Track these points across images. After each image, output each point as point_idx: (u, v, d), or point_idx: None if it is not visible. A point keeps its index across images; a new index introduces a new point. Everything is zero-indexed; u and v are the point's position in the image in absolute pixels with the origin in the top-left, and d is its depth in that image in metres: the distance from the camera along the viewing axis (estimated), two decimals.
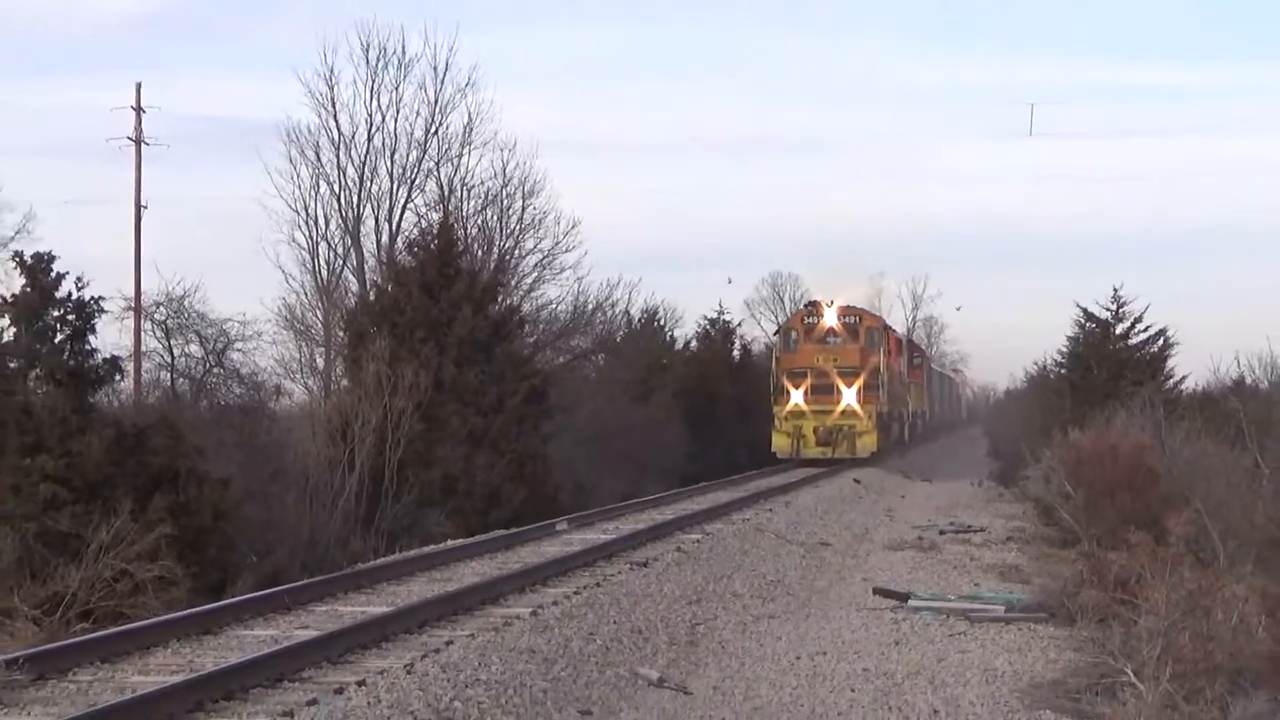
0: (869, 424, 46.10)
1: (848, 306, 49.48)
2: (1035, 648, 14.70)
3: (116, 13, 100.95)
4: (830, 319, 48.45)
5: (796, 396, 46.10)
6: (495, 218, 48.96)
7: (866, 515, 29.60)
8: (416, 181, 49.61)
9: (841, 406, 46.12)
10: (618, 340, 52.81)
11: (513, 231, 49.31)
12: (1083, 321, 39.87)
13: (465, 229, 43.82)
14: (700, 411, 49.10)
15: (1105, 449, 21.63)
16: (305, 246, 49.91)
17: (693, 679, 13.12)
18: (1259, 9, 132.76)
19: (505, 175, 48.81)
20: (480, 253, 42.90)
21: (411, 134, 49.64)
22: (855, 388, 46.27)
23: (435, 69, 49.86)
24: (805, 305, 52.82)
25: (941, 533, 26.13)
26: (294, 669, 11.61)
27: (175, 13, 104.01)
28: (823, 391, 46.27)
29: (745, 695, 12.41)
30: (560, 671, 12.47)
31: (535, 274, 48.14)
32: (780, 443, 46.32)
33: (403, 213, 49.56)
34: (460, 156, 49.45)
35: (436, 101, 49.74)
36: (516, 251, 48.32)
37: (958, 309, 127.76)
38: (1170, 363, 38.36)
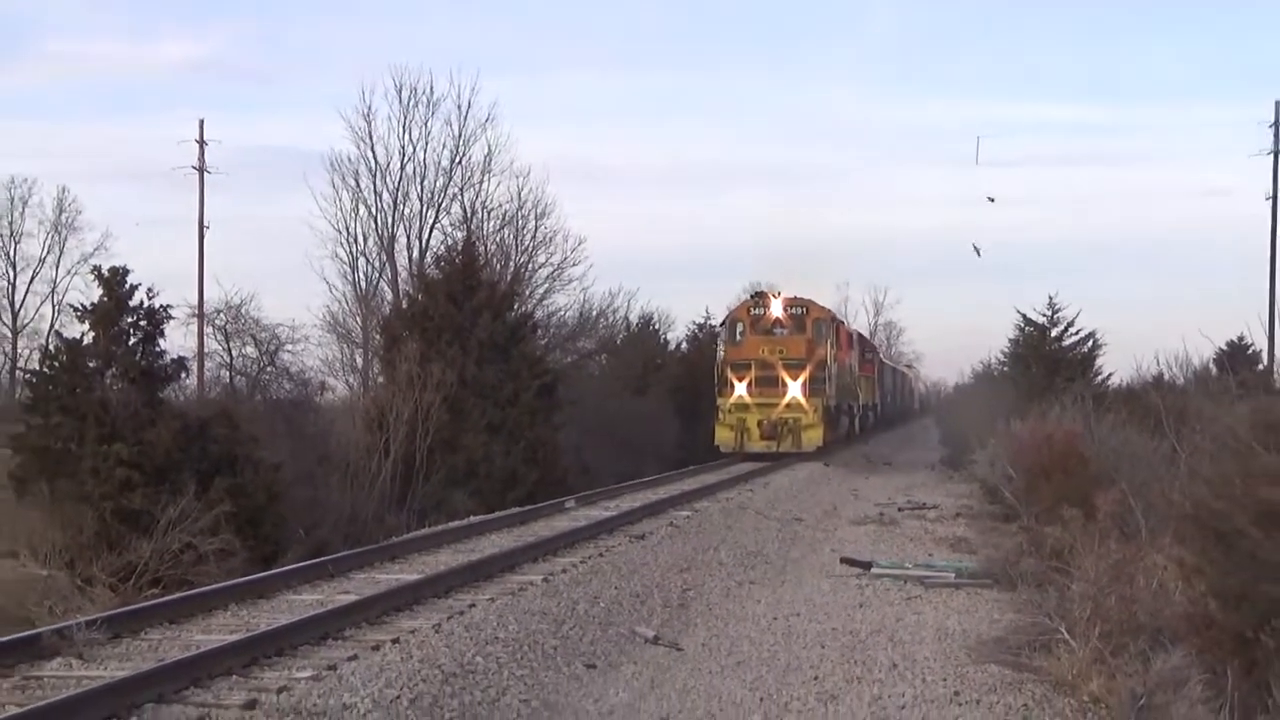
0: (815, 417, 39.27)
1: (794, 298, 42.12)
2: (981, 609, 14.61)
3: (183, 57, 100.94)
4: (776, 310, 41.23)
5: (740, 389, 39.26)
6: (511, 236, 49.16)
7: (834, 495, 29.41)
8: (443, 205, 49.93)
9: (786, 399, 39.19)
10: (618, 342, 52.63)
11: (527, 248, 49.37)
12: (1022, 325, 39.97)
13: (485, 246, 43.92)
14: (690, 405, 46.88)
15: (1042, 437, 21.60)
16: (346, 261, 50.34)
17: (684, 637, 13.11)
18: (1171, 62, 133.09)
19: (520, 199, 49.01)
20: (498, 266, 42.86)
21: (439, 163, 49.93)
22: (801, 380, 39.24)
23: (459, 107, 50.04)
24: (751, 295, 45.13)
25: (900, 510, 26.02)
26: (337, 628, 11.62)
27: (234, 57, 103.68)
28: (767, 384, 39.32)
29: (729, 651, 12.40)
30: (568, 630, 12.47)
31: (546, 285, 48.27)
32: (723, 436, 39.62)
33: (431, 231, 49.90)
34: (481, 183, 49.71)
35: (460, 135, 49.96)
36: (530, 265, 48.46)
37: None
38: (1099, 361, 38.38)
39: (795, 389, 39.43)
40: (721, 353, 41.71)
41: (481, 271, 34.11)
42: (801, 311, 41.85)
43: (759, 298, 42.94)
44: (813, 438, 39.20)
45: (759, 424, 39.18)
